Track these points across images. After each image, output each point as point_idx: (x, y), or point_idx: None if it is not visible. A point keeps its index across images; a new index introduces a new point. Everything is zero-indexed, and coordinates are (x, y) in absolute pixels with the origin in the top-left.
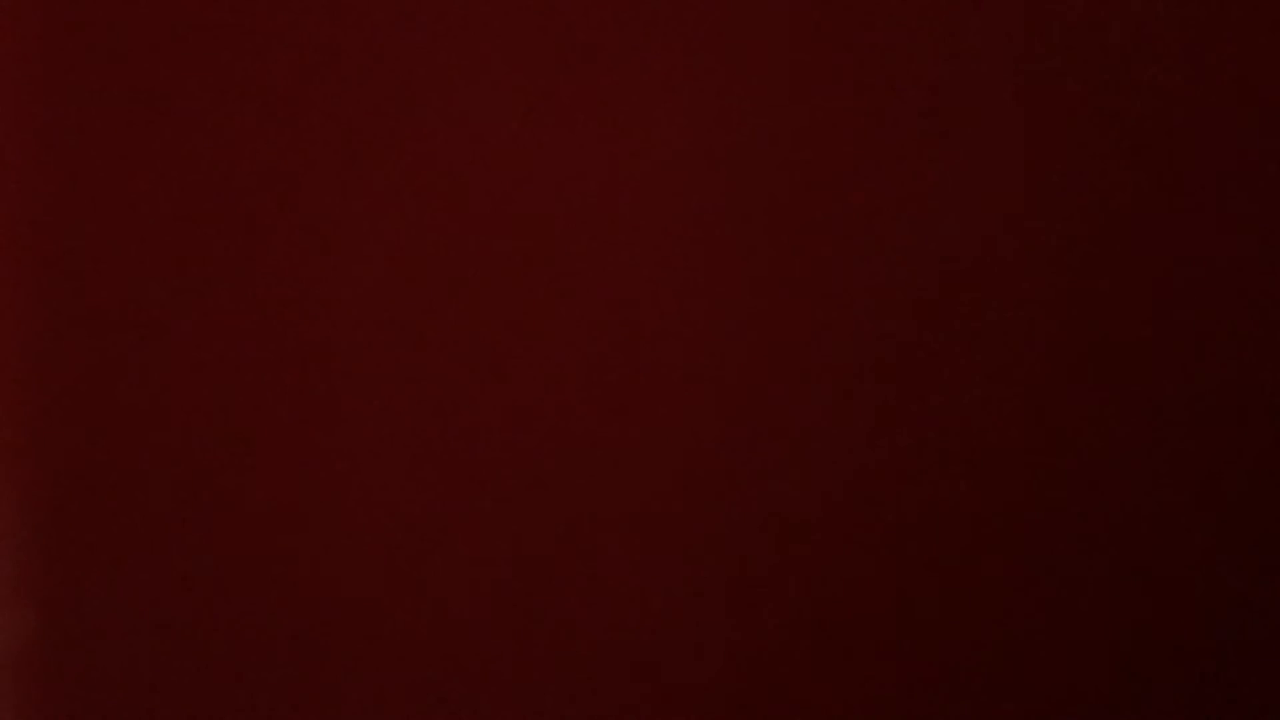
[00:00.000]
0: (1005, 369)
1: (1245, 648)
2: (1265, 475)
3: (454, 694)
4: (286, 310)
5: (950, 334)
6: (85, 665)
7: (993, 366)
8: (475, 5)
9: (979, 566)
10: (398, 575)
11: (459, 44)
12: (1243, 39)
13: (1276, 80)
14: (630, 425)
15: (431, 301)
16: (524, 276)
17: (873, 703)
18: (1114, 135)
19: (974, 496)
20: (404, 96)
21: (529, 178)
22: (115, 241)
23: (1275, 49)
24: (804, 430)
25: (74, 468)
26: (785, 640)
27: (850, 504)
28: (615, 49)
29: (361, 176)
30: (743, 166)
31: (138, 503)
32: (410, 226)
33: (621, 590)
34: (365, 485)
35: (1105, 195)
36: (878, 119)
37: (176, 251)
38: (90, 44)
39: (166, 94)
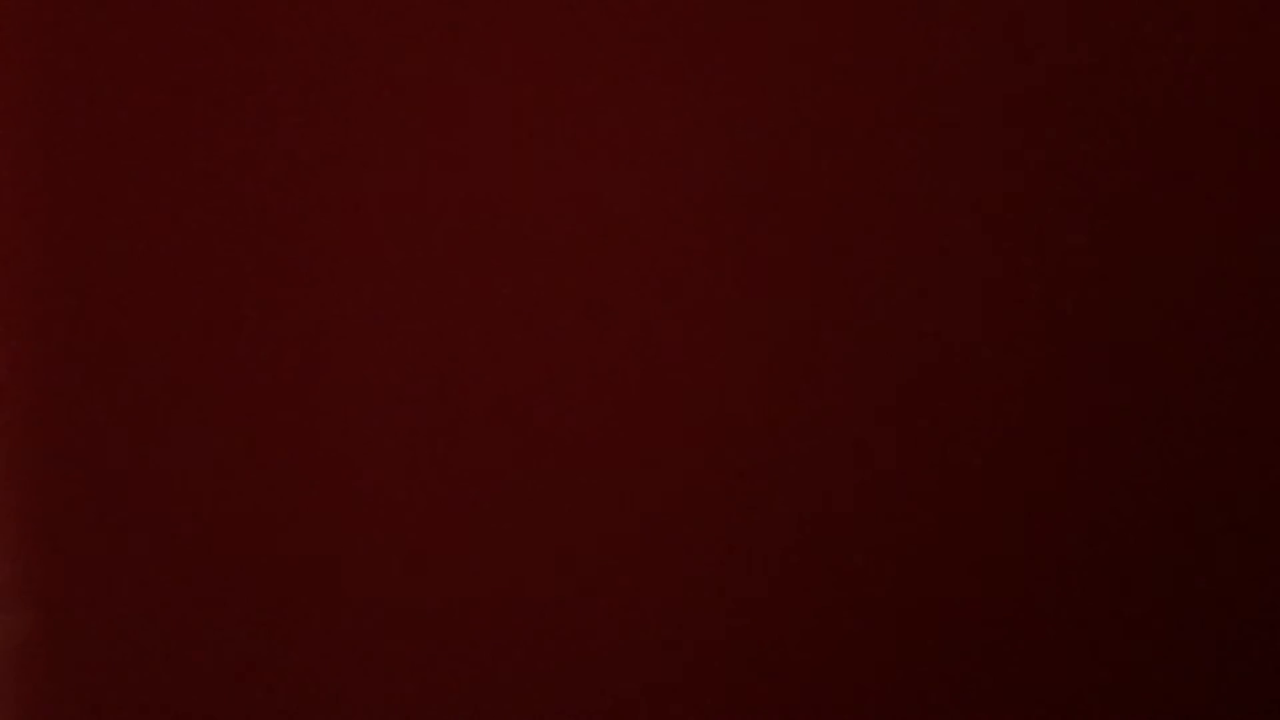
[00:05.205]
0: (1013, 368)
1: (1245, 648)
2: (1265, 476)
3: (455, 694)
4: (289, 311)
5: (956, 334)
6: (85, 665)
7: (1000, 366)
8: (477, 7)
9: (987, 568)
10: (401, 576)
11: (460, 45)
12: (1241, 40)
13: (1275, 81)
14: (635, 426)
15: (434, 302)
16: (528, 277)
17: (879, 705)
18: (1118, 135)
19: (981, 497)
20: (406, 99)
21: (534, 178)
22: (116, 242)
23: (1274, 49)
24: (810, 432)
25: (74, 468)
26: (792, 643)
27: (857, 505)
28: (617, 51)
29: (363, 178)
30: (748, 166)
31: (137, 503)
32: (413, 228)
33: (623, 592)
34: (369, 486)
35: (1109, 196)
36: (882, 119)
37: (177, 253)
38: (91, 44)
39: (167, 95)
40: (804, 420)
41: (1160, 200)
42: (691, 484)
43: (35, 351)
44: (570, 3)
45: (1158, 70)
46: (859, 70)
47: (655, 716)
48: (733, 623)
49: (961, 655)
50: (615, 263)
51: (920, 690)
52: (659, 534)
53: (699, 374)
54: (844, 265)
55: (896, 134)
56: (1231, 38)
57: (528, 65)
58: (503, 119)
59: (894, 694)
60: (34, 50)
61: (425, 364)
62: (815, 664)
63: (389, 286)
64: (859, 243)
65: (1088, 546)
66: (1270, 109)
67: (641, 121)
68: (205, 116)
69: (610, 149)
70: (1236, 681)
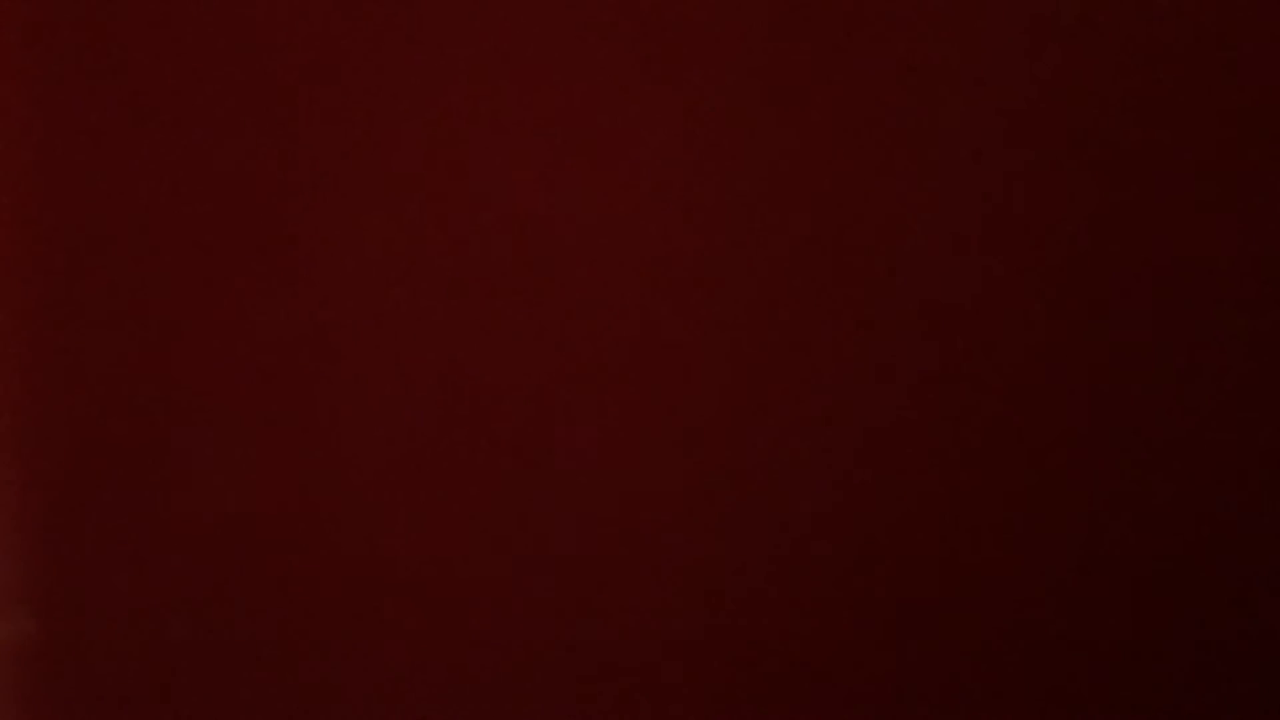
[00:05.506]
0: (1011, 368)
1: (1245, 648)
2: (1265, 476)
3: (454, 694)
4: (290, 313)
5: (954, 335)
6: (85, 666)
7: (999, 366)
8: (475, 11)
9: (980, 570)
10: (399, 577)
11: (459, 49)
12: (1240, 41)
13: (1276, 81)
14: (632, 425)
15: (431, 302)
16: (525, 278)
17: (879, 705)
18: (1114, 136)
19: (975, 499)
20: (405, 100)
21: (531, 180)
22: (116, 242)
23: (1274, 50)
24: (810, 432)
25: (74, 469)
26: (786, 644)
27: (850, 508)
28: (613, 53)
29: (362, 178)
30: (741, 170)
31: (138, 505)
32: (411, 229)
33: (622, 593)
34: (369, 488)
35: (1104, 197)
36: (877, 120)
37: (178, 254)
38: (92, 44)
39: (166, 96)
40: (803, 420)
41: (1159, 200)
42: (690, 483)
43: (35, 352)
44: (567, 5)
45: (1157, 70)
46: (855, 70)
47: (655, 716)
48: (731, 623)
49: (959, 655)
50: (612, 263)
51: (919, 690)
52: (658, 533)
53: (696, 374)
54: (841, 265)
55: (892, 135)
56: (1231, 38)
57: (524, 68)
58: (499, 121)
59: (893, 694)
60: (34, 50)
61: (422, 366)
62: (814, 664)
63: (387, 288)
64: (855, 242)
65: (1086, 548)
66: (1270, 109)
67: (638, 124)
68: (205, 119)
69: (606, 151)
70: (1237, 681)
